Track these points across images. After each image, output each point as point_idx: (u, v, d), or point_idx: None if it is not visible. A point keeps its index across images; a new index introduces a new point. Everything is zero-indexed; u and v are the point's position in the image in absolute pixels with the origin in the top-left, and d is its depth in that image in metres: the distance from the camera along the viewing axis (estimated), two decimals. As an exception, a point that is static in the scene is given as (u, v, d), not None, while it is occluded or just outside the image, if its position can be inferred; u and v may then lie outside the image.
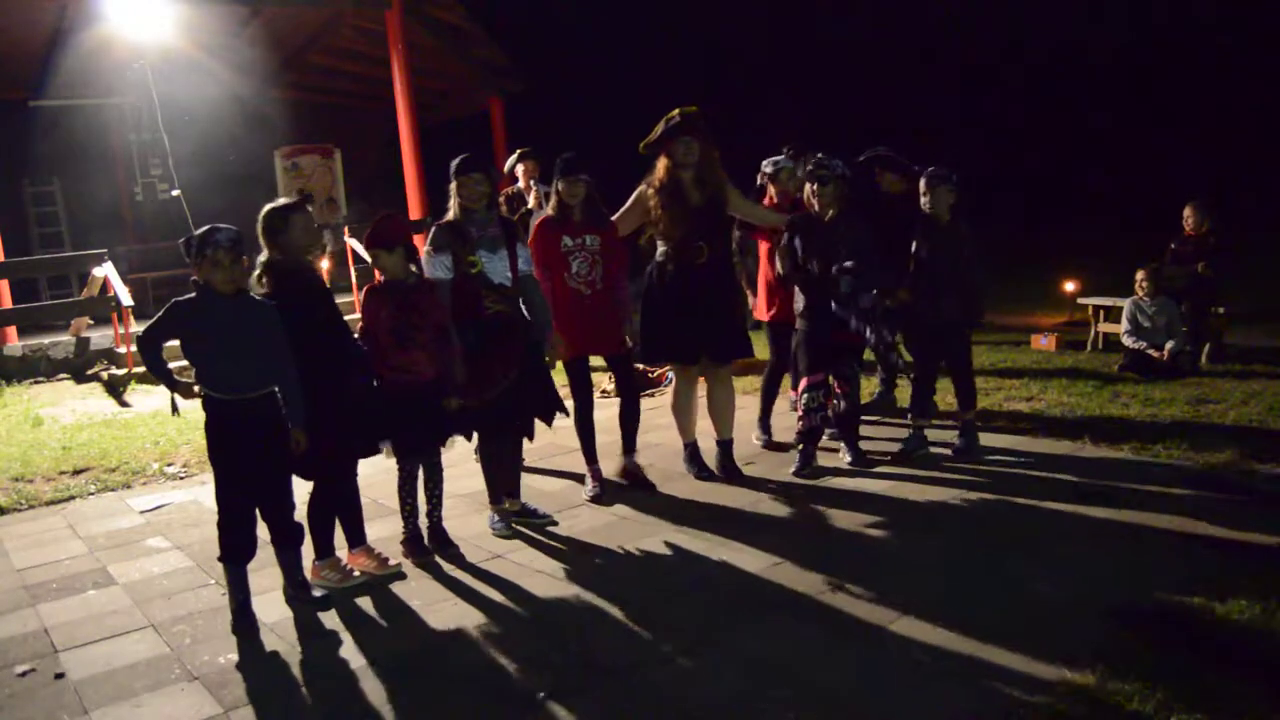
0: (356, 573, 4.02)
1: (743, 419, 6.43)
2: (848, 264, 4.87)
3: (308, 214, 3.82)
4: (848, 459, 5.25)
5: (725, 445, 5.22)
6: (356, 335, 4.09)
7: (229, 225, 3.54)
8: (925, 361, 5.44)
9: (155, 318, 3.54)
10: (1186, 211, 8.15)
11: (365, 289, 4.17)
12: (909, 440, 5.42)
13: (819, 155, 5.07)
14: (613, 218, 4.97)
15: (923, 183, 5.25)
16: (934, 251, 5.17)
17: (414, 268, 4.15)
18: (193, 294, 3.50)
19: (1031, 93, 20.55)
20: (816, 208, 5.00)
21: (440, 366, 4.12)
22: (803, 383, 5.17)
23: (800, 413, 5.21)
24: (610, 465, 5.15)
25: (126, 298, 9.53)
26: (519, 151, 7.41)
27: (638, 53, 20.69)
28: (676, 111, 4.87)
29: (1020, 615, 3.32)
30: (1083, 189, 19.94)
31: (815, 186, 4.98)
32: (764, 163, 5.74)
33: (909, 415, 5.52)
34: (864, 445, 5.40)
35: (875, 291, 4.91)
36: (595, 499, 4.87)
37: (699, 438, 5.28)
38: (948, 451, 5.32)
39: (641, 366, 6.73)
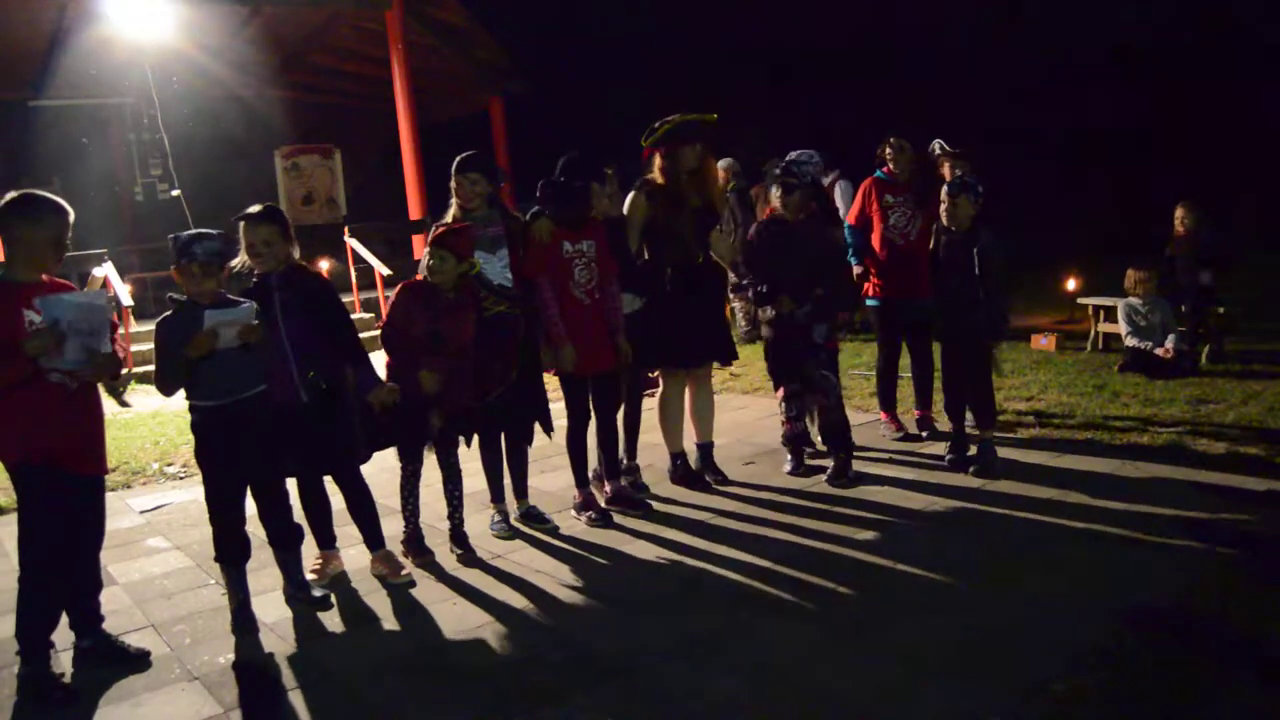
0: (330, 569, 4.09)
1: (740, 419, 6.43)
2: (817, 291, 4.89)
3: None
4: (827, 475, 5.04)
5: (706, 448, 5.18)
6: (378, 330, 4.08)
7: (214, 233, 3.50)
8: (951, 371, 5.17)
9: (156, 357, 3.47)
10: (1179, 212, 8.05)
11: (402, 285, 4.17)
12: (981, 453, 5.03)
13: (789, 158, 4.99)
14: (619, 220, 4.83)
15: (944, 191, 4.99)
16: (950, 262, 4.96)
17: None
18: (170, 311, 3.46)
19: (1031, 91, 20.54)
20: (781, 208, 4.99)
21: (451, 380, 4.11)
22: (779, 393, 5.20)
23: (784, 419, 5.24)
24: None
25: (126, 298, 9.55)
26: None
27: (638, 53, 20.68)
28: (695, 116, 4.78)
29: (1021, 616, 3.32)
30: (1082, 187, 19.95)
31: (781, 194, 4.96)
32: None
33: (952, 427, 5.26)
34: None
35: (828, 325, 4.99)
36: (592, 522, 4.58)
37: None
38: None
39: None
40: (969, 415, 5.21)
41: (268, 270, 3.82)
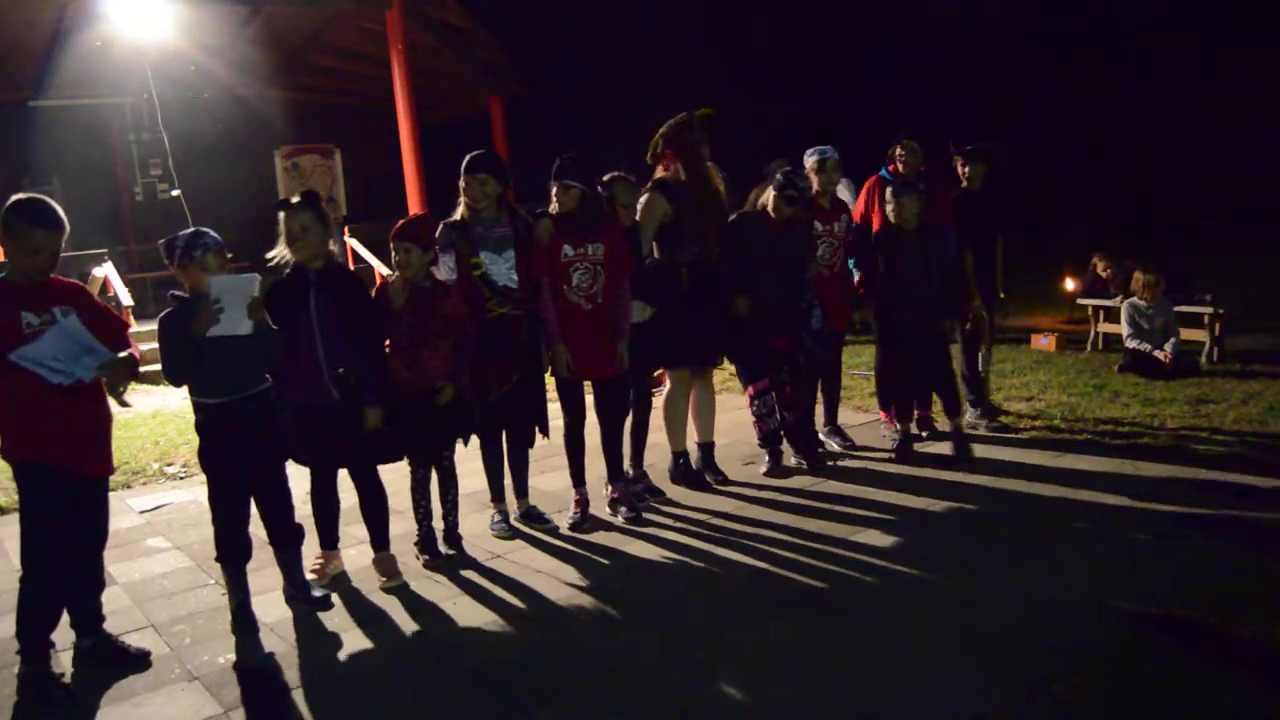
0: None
1: (740, 419, 6.44)
2: (808, 275, 5.17)
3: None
4: (797, 462, 5.30)
5: (708, 448, 5.18)
6: None
7: (207, 230, 3.53)
8: (914, 365, 5.34)
9: (162, 349, 3.44)
10: (1095, 260, 8.88)
11: (378, 287, 4.16)
12: (953, 439, 5.30)
13: (789, 169, 5.05)
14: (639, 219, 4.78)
15: (889, 193, 5.26)
16: (900, 261, 5.19)
17: (434, 270, 4.14)
18: (173, 306, 3.45)
19: (1030, 89, 20.53)
20: (772, 213, 5.05)
21: (452, 367, 4.10)
22: (749, 392, 5.21)
23: (755, 419, 5.24)
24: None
25: (126, 298, 9.56)
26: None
27: (638, 53, 20.68)
28: (701, 112, 4.80)
29: (1021, 616, 3.32)
30: (1082, 187, 19.94)
31: (783, 204, 5.01)
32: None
33: (894, 415, 5.55)
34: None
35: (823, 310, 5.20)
36: (575, 526, 4.53)
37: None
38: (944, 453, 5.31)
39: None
40: (944, 407, 5.41)
41: (305, 260, 3.80)
